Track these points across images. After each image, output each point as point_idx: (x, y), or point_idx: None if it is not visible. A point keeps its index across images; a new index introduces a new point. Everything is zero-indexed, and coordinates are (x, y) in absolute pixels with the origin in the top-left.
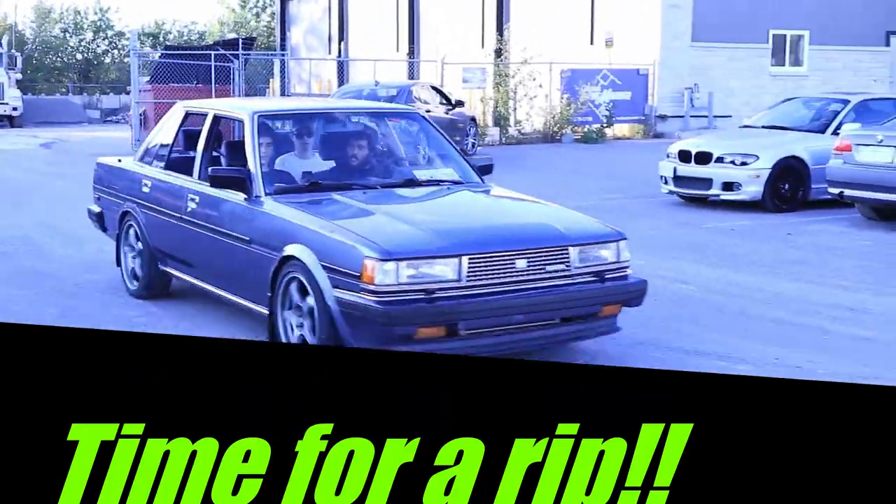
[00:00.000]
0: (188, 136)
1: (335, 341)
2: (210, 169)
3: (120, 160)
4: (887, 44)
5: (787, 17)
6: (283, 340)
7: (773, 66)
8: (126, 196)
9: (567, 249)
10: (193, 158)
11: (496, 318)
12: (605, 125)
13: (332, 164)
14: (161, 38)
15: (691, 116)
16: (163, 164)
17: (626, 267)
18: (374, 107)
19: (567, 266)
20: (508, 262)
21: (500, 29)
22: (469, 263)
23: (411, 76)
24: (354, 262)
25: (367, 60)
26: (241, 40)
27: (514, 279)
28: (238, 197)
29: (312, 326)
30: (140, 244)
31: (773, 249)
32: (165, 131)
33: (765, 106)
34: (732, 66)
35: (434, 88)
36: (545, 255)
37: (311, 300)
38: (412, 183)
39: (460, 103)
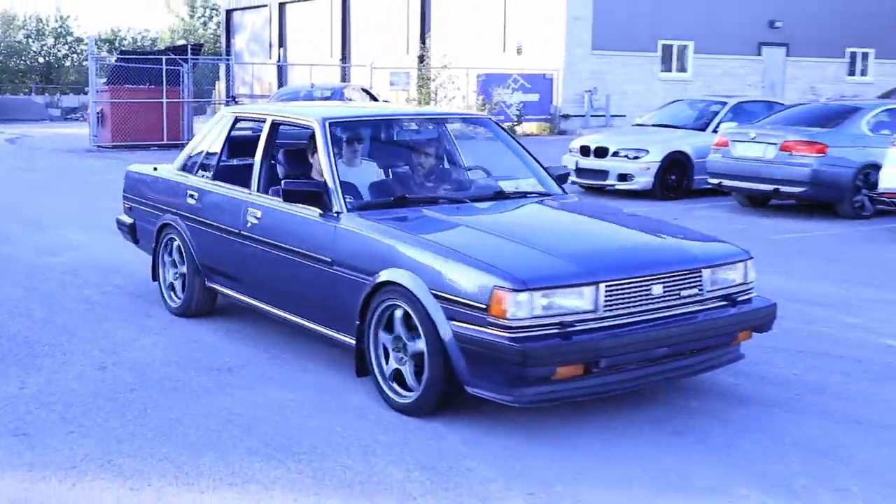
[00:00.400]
0: (239, 144)
1: (447, 378)
2: (283, 182)
3: (156, 168)
4: (759, 53)
5: (675, 29)
6: (376, 373)
7: (662, 72)
8: (166, 207)
9: (700, 272)
10: (246, 168)
11: (639, 353)
12: (515, 123)
13: (410, 175)
14: (117, 44)
15: (591, 116)
16: (210, 173)
17: (752, 288)
18: (444, 112)
19: (700, 290)
20: (645, 288)
21: (422, 38)
22: (606, 291)
23: (343, 79)
24: (479, 292)
25: (304, 65)
26: (189, 46)
27: (651, 307)
28: (312, 212)
29: (417, 361)
30: (184, 259)
31: None
32: (211, 138)
33: (654, 107)
34: (627, 71)
35: (364, 90)
36: (680, 279)
37: (415, 332)
38: (500, 195)
39: (387, 103)
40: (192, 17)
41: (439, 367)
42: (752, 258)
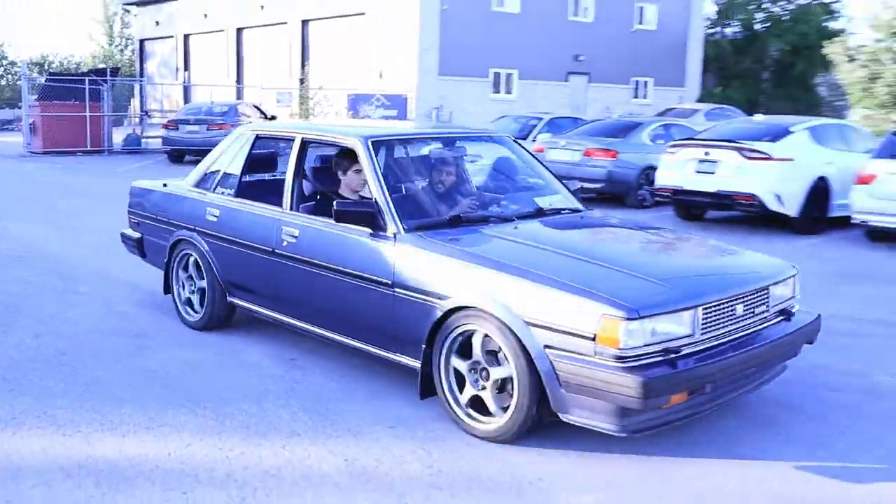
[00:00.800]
0: (261, 161)
1: (540, 407)
2: (336, 203)
3: (165, 184)
4: (567, 80)
5: (503, 59)
6: (448, 399)
7: (493, 93)
8: (182, 224)
9: (768, 290)
10: (269, 185)
11: (738, 375)
12: None
13: (452, 193)
14: (46, 66)
15: None
16: (232, 191)
17: (796, 302)
18: (467, 130)
19: (767, 308)
20: (731, 309)
21: (303, 64)
22: (703, 315)
23: (238, 97)
24: (584, 320)
25: (205, 85)
26: (109, 69)
27: (734, 327)
28: (361, 232)
29: (499, 386)
30: (202, 275)
31: None
32: (230, 155)
33: (487, 121)
34: (466, 93)
35: (255, 107)
36: (756, 298)
37: (491, 354)
38: (540, 212)
39: (274, 118)
40: (110, 45)
41: (530, 394)
42: (798, 272)
